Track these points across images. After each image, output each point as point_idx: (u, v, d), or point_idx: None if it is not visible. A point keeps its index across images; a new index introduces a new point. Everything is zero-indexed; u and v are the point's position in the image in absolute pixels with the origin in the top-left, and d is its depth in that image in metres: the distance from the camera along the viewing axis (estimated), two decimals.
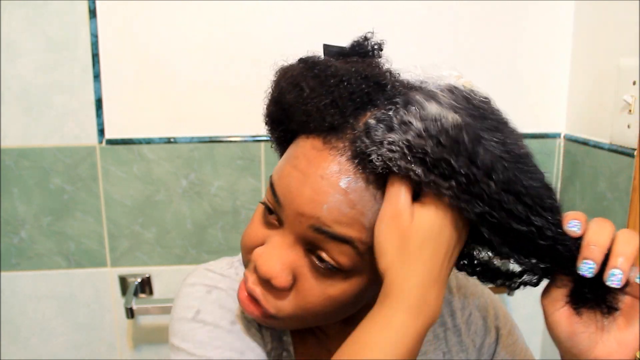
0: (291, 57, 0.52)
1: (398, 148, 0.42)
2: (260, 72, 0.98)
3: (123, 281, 1.05)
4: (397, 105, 0.44)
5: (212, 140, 1.01)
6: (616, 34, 0.92)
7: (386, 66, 0.52)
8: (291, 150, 0.49)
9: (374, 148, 0.43)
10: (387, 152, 0.43)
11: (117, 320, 1.08)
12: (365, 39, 0.53)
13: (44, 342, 1.07)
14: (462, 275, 0.67)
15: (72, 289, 1.05)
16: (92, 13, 0.94)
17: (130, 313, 1.00)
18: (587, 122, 1.01)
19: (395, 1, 0.99)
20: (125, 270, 1.05)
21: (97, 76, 0.97)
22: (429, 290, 0.43)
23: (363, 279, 0.47)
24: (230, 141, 1.02)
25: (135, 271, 1.05)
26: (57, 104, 0.97)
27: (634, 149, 0.85)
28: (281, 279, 0.47)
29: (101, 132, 0.99)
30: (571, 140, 1.05)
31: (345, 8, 0.98)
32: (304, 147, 0.48)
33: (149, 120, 1.00)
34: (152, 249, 1.05)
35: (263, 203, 0.50)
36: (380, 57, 0.54)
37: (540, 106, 1.07)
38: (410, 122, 0.43)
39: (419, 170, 0.42)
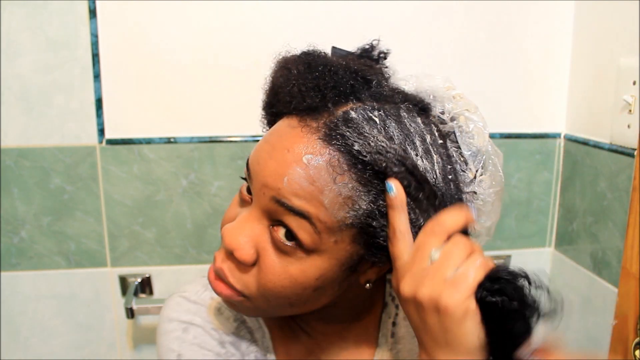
0: (294, 49, 0.54)
1: (387, 152, 0.45)
2: (261, 73, 0.98)
3: (123, 281, 1.05)
4: (388, 127, 0.46)
5: (212, 140, 1.01)
6: (616, 34, 0.92)
7: (382, 70, 0.54)
8: (270, 129, 0.52)
9: (359, 140, 0.45)
10: (375, 150, 0.45)
11: (117, 320, 1.08)
12: (372, 46, 0.55)
13: (44, 342, 1.07)
14: None
15: (72, 289, 1.05)
16: (92, 13, 0.94)
17: (130, 313, 1.00)
18: (587, 122, 1.01)
19: (395, 2, 0.99)
20: (125, 270, 1.05)
21: (97, 76, 0.97)
22: None
23: (324, 262, 0.48)
24: (230, 141, 1.02)
25: (135, 271, 1.05)
26: (57, 104, 0.97)
27: (634, 149, 0.85)
28: (243, 251, 0.48)
29: (101, 132, 0.99)
30: (571, 140, 1.05)
31: (346, 8, 0.98)
32: (281, 125, 0.50)
33: (149, 120, 1.00)
34: (152, 249, 1.05)
35: (243, 178, 0.53)
36: (385, 66, 0.55)
37: (540, 106, 1.07)
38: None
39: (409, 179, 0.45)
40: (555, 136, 1.08)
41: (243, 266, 0.49)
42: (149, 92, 0.98)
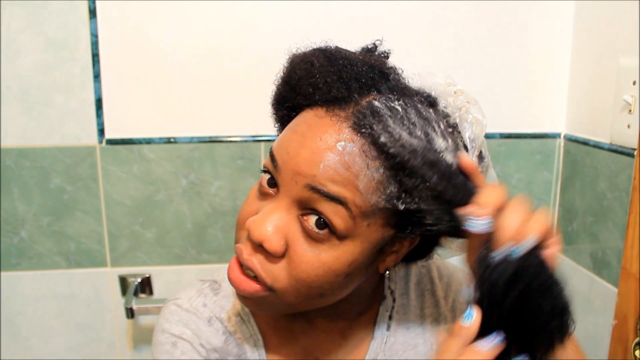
0: (306, 46, 0.54)
1: (403, 143, 0.46)
2: (261, 72, 0.98)
3: (123, 281, 1.06)
4: (410, 115, 0.48)
5: (212, 140, 1.01)
6: (616, 34, 0.92)
7: (394, 64, 0.55)
8: (294, 120, 0.52)
9: (384, 133, 0.46)
10: (400, 144, 0.46)
11: (117, 320, 1.08)
12: (375, 46, 0.56)
13: (44, 342, 1.07)
14: (443, 266, 0.69)
15: (72, 289, 1.05)
16: (92, 13, 0.94)
17: (130, 313, 1.00)
18: (587, 122, 1.01)
19: (395, 2, 0.99)
20: (125, 270, 1.05)
21: (97, 76, 0.97)
22: None
23: (356, 247, 0.48)
24: (230, 141, 1.02)
25: (135, 271, 1.05)
26: (57, 104, 0.97)
27: (634, 149, 0.85)
28: (273, 242, 0.48)
29: (101, 132, 0.99)
30: (571, 140, 1.05)
31: (347, 8, 0.98)
32: (307, 116, 0.50)
33: (149, 120, 1.00)
34: (152, 249, 1.05)
35: (263, 170, 0.52)
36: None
37: (540, 106, 1.08)
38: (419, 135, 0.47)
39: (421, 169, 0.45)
40: (555, 136, 1.08)
41: (272, 258, 0.49)
42: (149, 92, 0.99)
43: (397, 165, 0.46)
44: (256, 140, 1.02)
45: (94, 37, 0.95)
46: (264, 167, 0.51)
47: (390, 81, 0.51)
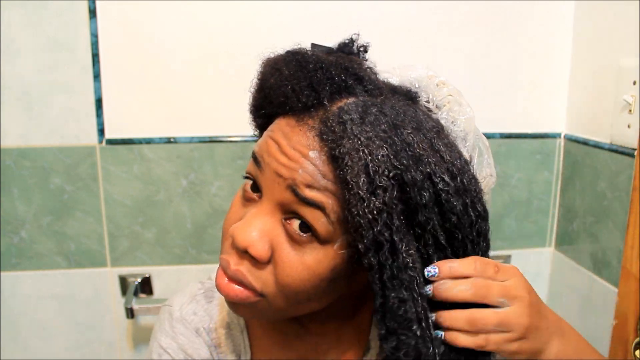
0: (278, 49, 0.54)
1: (365, 151, 0.44)
2: None
3: (123, 281, 1.05)
4: (375, 111, 0.46)
5: (212, 140, 1.01)
6: (616, 34, 0.92)
7: (368, 64, 0.54)
8: (270, 127, 0.52)
9: (345, 139, 0.45)
10: (350, 146, 0.44)
11: (117, 320, 1.08)
12: (352, 40, 0.55)
13: (44, 342, 1.07)
14: None
15: (72, 289, 1.05)
16: (92, 13, 0.94)
17: (130, 313, 1.00)
18: (587, 122, 1.01)
19: (396, 2, 0.99)
20: (125, 270, 1.05)
21: (97, 76, 0.97)
22: None
23: (337, 252, 0.48)
24: (230, 141, 1.02)
25: (135, 271, 1.05)
26: (57, 104, 0.97)
27: (634, 149, 0.85)
28: (259, 247, 0.47)
29: (101, 132, 0.99)
30: (571, 140, 1.05)
31: (347, 8, 0.98)
32: (280, 124, 0.50)
33: (149, 120, 1.00)
34: (152, 249, 1.05)
35: (246, 176, 0.53)
36: (365, 59, 0.55)
37: (540, 106, 1.08)
38: (378, 138, 0.45)
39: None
40: (555, 136, 1.08)
41: (259, 264, 0.49)
42: (149, 92, 0.98)
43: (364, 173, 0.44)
44: (256, 140, 1.01)
45: (94, 37, 0.95)
46: (247, 172, 0.52)
47: (365, 85, 0.50)
